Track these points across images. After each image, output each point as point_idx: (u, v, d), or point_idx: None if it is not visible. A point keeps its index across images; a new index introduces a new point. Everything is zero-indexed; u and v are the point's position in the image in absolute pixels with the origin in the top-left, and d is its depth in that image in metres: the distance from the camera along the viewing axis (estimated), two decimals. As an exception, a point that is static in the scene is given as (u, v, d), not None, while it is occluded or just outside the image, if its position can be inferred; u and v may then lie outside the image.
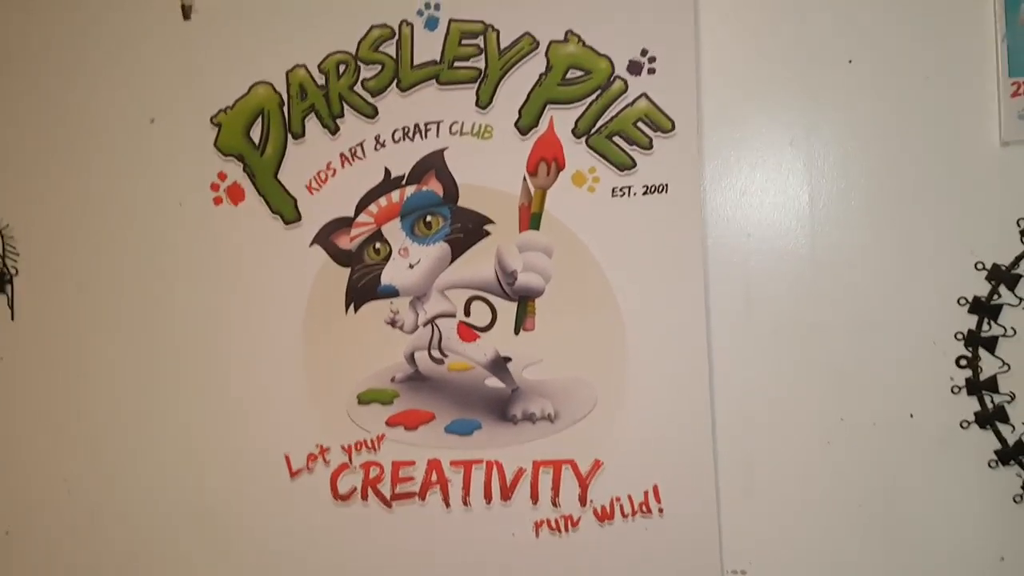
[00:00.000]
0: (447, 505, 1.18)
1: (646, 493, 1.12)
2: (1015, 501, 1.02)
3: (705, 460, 1.09)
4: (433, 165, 1.17)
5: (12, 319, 1.34)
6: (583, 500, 1.14)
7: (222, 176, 1.24)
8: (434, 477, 1.18)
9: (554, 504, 1.14)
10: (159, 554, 1.31)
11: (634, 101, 1.10)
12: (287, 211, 1.22)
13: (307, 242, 1.21)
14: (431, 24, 1.15)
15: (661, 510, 1.11)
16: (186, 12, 1.23)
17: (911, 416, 1.05)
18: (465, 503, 1.18)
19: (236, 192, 1.24)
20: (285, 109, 1.21)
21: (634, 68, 1.09)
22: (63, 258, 1.33)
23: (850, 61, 1.04)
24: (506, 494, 1.16)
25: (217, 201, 1.25)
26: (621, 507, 1.13)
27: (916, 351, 1.04)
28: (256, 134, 1.23)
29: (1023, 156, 1.00)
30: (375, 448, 1.20)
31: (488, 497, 1.17)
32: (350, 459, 1.21)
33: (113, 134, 1.29)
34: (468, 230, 1.16)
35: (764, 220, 1.09)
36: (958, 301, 1.03)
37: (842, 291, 1.06)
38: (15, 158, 1.34)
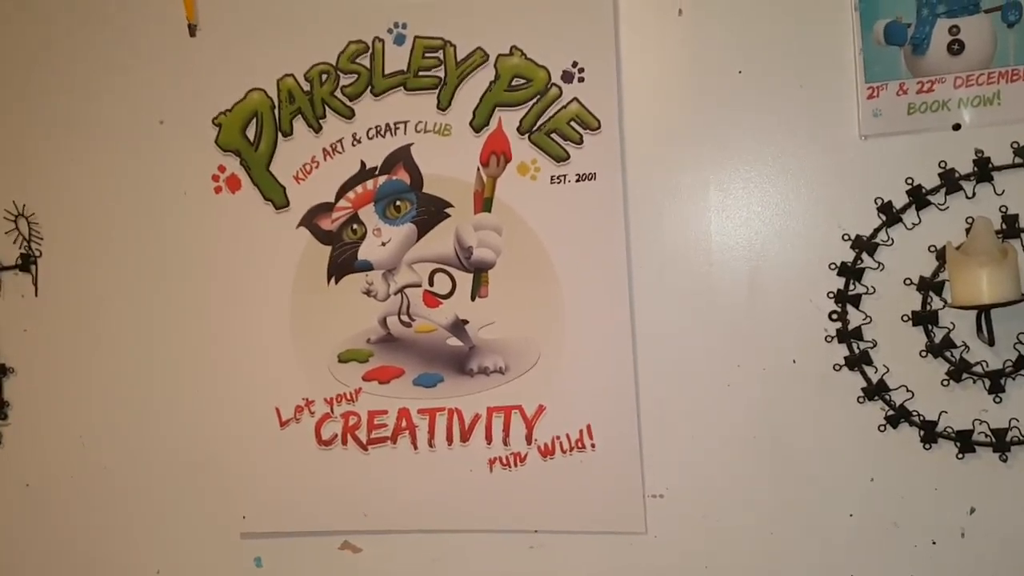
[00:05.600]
0: (415, 447, 1.33)
1: (581, 432, 1.27)
2: (879, 430, 1.19)
3: (629, 403, 1.25)
4: (401, 158, 1.31)
5: (36, 295, 1.49)
6: (529, 439, 1.28)
7: (222, 168, 1.38)
8: (404, 423, 1.33)
9: (505, 443, 1.29)
10: (165, 499, 1.44)
11: (567, 104, 1.25)
12: (277, 198, 1.36)
13: (294, 224, 1.35)
14: (399, 40, 1.31)
15: (594, 446, 1.26)
16: (192, 30, 1.39)
17: (793, 362, 1.21)
18: (430, 445, 1.32)
19: (234, 182, 1.38)
20: (276, 111, 1.35)
21: (567, 77, 1.25)
22: (81, 241, 1.47)
23: (740, 71, 1.21)
24: (465, 436, 1.31)
25: (217, 190, 1.39)
26: (561, 444, 1.27)
27: (796, 308, 1.20)
28: (251, 133, 1.36)
29: (878, 147, 1.17)
30: (353, 400, 1.34)
31: (450, 439, 1.31)
32: (332, 410, 1.35)
33: (127, 133, 1.44)
34: (431, 212, 1.30)
35: (675, 204, 1.24)
36: (829, 266, 1.19)
37: (736, 261, 1.23)
38: (41, 155, 1.48)
